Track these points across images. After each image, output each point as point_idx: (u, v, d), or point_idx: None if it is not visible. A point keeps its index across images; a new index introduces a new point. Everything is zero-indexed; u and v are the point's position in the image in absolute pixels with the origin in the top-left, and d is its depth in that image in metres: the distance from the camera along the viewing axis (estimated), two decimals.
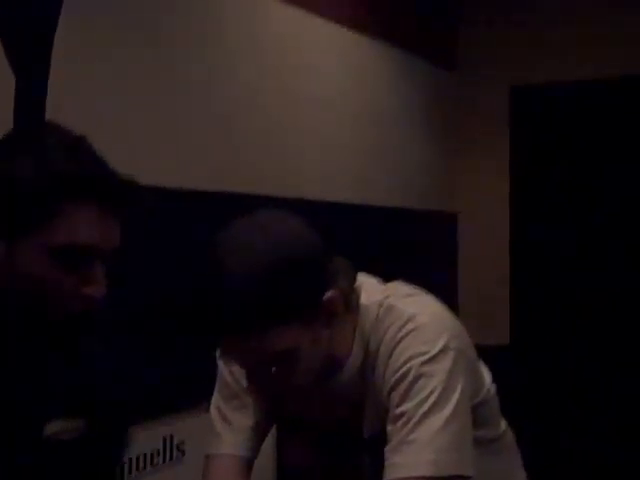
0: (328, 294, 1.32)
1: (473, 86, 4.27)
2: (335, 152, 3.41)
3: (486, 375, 1.51)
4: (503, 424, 1.59)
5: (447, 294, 1.82)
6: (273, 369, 1.31)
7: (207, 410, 1.79)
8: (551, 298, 4.16)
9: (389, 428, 1.32)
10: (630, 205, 4.02)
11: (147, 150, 2.44)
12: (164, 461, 2.38)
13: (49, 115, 2.08)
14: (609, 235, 4.05)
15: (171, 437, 2.38)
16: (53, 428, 1.24)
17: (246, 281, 1.24)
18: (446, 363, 1.32)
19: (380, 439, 1.35)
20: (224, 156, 2.77)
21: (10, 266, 1.14)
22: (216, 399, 1.55)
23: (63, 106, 2.13)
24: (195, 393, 2.28)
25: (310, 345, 1.32)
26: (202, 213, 2.56)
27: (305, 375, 1.34)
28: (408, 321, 1.36)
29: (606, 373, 3.97)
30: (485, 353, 1.63)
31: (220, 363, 1.53)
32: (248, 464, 1.54)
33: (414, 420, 1.29)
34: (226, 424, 1.53)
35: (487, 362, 1.64)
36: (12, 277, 1.15)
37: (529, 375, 4.09)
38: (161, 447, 2.38)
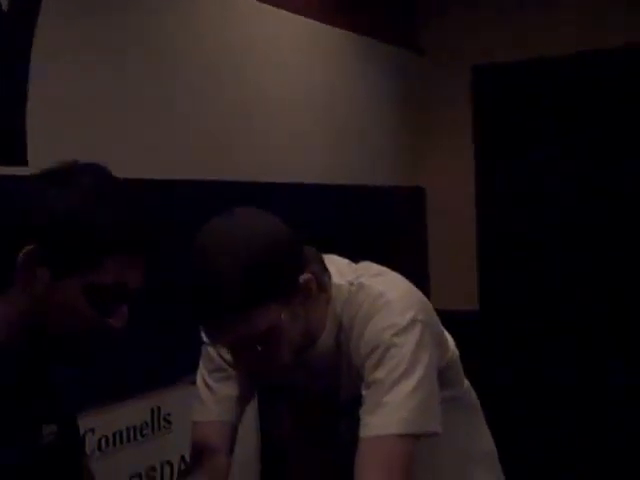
0: (303, 276, 1.43)
1: (438, 67, 4.35)
2: (304, 135, 3.47)
3: (450, 342, 1.64)
4: (466, 384, 1.73)
5: (418, 264, 1.93)
6: (258, 348, 1.41)
7: (191, 383, 1.91)
8: (516, 266, 4.27)
9: (364, 393, 1.43)
10: (588, 177, 4.11)
11: (129, 143, 2.50)
12: (152, 432, 2.47)
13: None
14: (570, 205, 4.14)
15: (158, 409, 2.47)
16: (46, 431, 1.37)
17: (230, 268, 1.34)
18: (414, 334, 1.43)
19: (355, 404, 1.45)
20: (195, 145, 2.82)
21: (49, 294, 1.25)
22: (201, 371, 1.65)
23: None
24: (180, 368, 2.36)
25: (290, 323, 1.42)
26: (178, 201, 2.63)
27: (287, 351, 1.44)
28: (378, 297, 1.47)
29: (569, 341, 4.07)
30: (456, 318, 1.78)
31: (204, 337, 1.58)
32: (232, 429, 1.64)
33: (386, 385, 1.40)
34: (211, 394, 1.63)
35: (458, 326, 1.78)
36: (46, 304, 1.26)
37: (496, 339, 4.23)
38: (149, 419, 2.46)
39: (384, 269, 1.59)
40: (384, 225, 3.92)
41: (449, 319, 1.73)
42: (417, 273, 3.59)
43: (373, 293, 1.49)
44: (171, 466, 2.48)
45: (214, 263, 1.36)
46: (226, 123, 2.97)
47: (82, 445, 1.65)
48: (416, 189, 4.39)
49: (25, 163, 2.10)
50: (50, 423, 1.37)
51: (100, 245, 1.24)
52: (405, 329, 1.44)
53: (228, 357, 1.56)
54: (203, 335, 1.58)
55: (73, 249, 1.23)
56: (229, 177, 2.93)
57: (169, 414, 2.51)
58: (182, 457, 2.45)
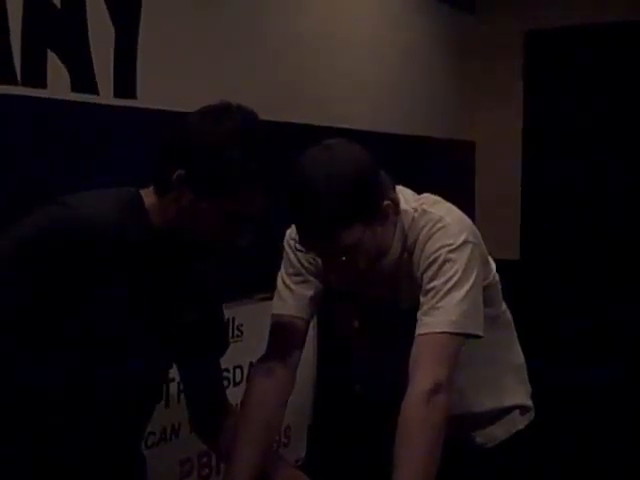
0: (387, 201, 1.73)
1: (490, 28, 4.52)
2: (366, 87, 3.67)
3: (492, 265, 1.91)
4: (504, 305, 2.00)
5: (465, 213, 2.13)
6: (343, 258, 1.70)
7: (261, 299, 2.20)
8: (558, 220, 4.44)
9: (422, 299, 1.71)
10: (637, 137, 4.24)
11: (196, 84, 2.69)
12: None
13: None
14: (616, 164, 4.27)
15: (233, 319, 2.73)
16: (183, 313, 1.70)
17: (325, 193, 1.62)
18: (466, 253, 1.72)
19: (413, 309, 1.73)
20: (268, 89, 3.03)
21: (191, 212, 1.52)
22: (282, 274, 1.91)
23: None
24: (252, 285, 2.67)
25: (369, 240, 1.71)
26: None
27: (364, 262, 1.73)
28: (438, 221, 1.76)
29: (609, 292, 4.22)
30: (497, 266, 1.97)
31: (287, 247, 1.90)
32: (305, 324, 1.90)
33: (441, 293, 1.68)
34: (290, 293, 1.87)
35: (499, 273, 1.97)
36: (188, 219, 1.53)
37: (536, 288, 4.41)
38: None
39: (441, 199, 1.86)
40: (434, 176, 4.14)
41: None
42: None
43: (434, 218, 1.77)
44: (241, 370, 2.81)
45: (312, 187, 1.63)
46: (296, 73, 3.22)
47: (224, 332, 1.97)
48: (467, 143, 4.60)
49: (134, 97, 2.42)
50: (192, 310, 1.69)
51: (237, 179, 1.51)
52: (459, 248, 1.72)
53: (307, 264, 1.87)
54: (290, 244, 1.88)
55: (215, 179, 1.51)
56: (293, 119, 3.15)
57: (241, 325, 2.78)
58: (250, 363, 2.76)
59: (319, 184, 1.63)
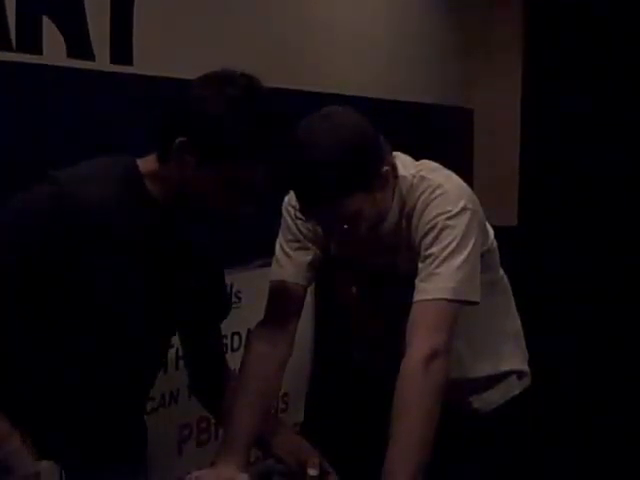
0: (385, 167, 1.73)
1: None
2: (365, 53, 3.63)
3: (491, 232, 1.93)
4: (501, 271, 2.02)
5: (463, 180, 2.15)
6: (344, 226, 1.72)
7: (259, 266, 2.20)
8: (556, 185, 4.40)
9: (420, 265, 1.72)
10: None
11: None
12: None
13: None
14: (616, 133, 4.19)
15: (231, 285, 2.70)
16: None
17: (326, 162, 1.62)
18: (464, 219, 1.73)
19: (411, 276, 1.74)
20: (268, 56, 2.94)
21: (192, 179, 1.54)
22: (280, 241, 1.92)
23: None
24: (251, 251, 2.67)
25: (369, 207, 1.72)
26: None
27: (364, 229, 1.74)
28: (436, 188, 1.76)
29: (607, 259, 4.18)
30: (495, 233, 1.97)
31: (285, 213, 1.91)
32: (303, 290, 1.91)
33: (439, 259, 1.69)
34: (288, 259, 1.88)
35: (496, 240, 1.98)
36: (190, 186, 1.55)
37: (533, 255, 4.38)
38: None
39: (440, 166, 1.87)
40: (432, 143, 4.13)
41: None
42: None
43: (432, 184, 1.77)
44: (239, 336, 2.82)
45: (312, 158, 1.63)
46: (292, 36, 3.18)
47: (225, 297, 2.01)
48: (465, 110, 4.58)
49: (131, 63, 2.40)
50: (189, 274, 1.70)
51: (237, 145, 1.52)
52: (457, 215, 1.73)
53: (305, 231, 1.88)
54: (288, 210, 1.89)
55: (215, 145, 1.52)
56: (293, 86, 3.08)
57: (239, 291, 2.77)
58: (249, 329, 2.77)
59: (320, 154, 1.63)
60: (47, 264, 1.49)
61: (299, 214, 1.78)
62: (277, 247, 1.93)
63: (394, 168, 1.78)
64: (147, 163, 1.62)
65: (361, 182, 1.68)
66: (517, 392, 2.07)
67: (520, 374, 2.08)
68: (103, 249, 1.53)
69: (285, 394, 3.07)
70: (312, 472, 1.75)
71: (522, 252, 4.21)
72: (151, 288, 1.63)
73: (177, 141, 1.53)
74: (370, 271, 1.92)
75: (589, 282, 4.19)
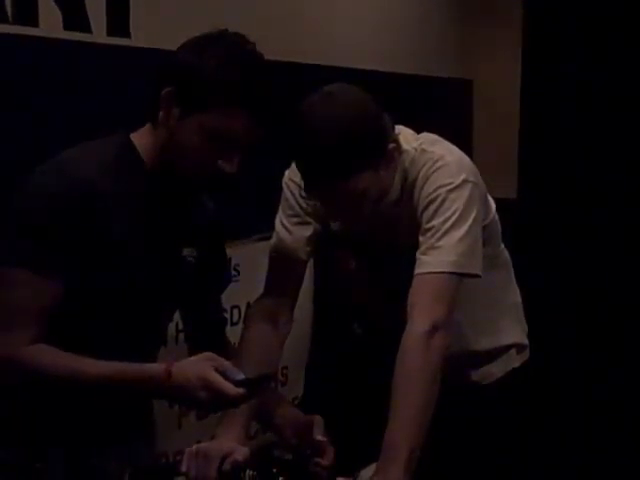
0: (391, 145, 1.72)
1: None
2: (365, 24, 3.62)
3: (492, 204, 1.93)
4: (502, 245, 2.02)
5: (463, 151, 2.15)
6: (350, 206, 1.70)
7: (258, 240, 2.19)
8: (556, 158, 4.35)
9: (421, 239, 1.72)
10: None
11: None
12: None
13: None
14: (617, 104, 4.13)
15: (231, 259, 2.60)
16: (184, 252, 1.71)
17: (334, 145, 1.61)
18: (465, 192, 1.72)
19: (412, 249, 1.74)
20: (268, 27, 2.91)
21: (177, 131, 1.55)
22: (280, 215, 1.91)
23: None
24: (249, 225, 2.69)
25: (374, 185, 1.71)
26: None
27: (369, 207, 1.74)
28: (437, 160, 1.76)
29: (608, 233, 4.14)
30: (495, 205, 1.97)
31: (286, 188, 1.90)
32: (303, 265, 1.91)
33: (440, 232, 1.69)
34: (288, 233, 1.87)
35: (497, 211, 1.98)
36: (175, 141, 1.56)
37: (533, 228, 4.37)
38: None
39: (441, 139, 1.86)
40: (431, 114, 4.11)
41: None
42: None
43: (433, 157, 1.76)
44: (239, 310, 2.82)
45: (317, 139, 1.62)
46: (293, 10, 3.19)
47: (225, 269, 2.03)
48: (464, 81, 4.56)
49: (128, 36, 2.39)
50: (190, 246, 1.70)
51: (219, 94, 1.53)
52: (458, 187, 1.72)
53: (305, 206, 1.87)
54: (288, 185, 1.88)
55: (198, 94, 1.53)
56: (293, 58, 3.08)
57: (238, 265, 2.76)
58: (248, 303, 2.76)
59: (324, 135, 1.62)
60: (65, 243, 1.51)
61: (303, 193, 1.77)
62: (277, 221, 1.92)
63: (398, 145, 1.76)
64: (139, 136, 1.63)
65: (367, 161, 1.67)
66: (517, 365, 2.07)
67: (520, 347, 2.09)
68: (109, 217, 1.55)
69: (284, 367, 3.07)
70: (320, 437, 1.73)
71: (522, 225, 4.22)
72: (152, 259, 1.63)
73: (163, 92, 1.55)
74: (370, 244, 1.91)
75: (590, 254, 4.17)
